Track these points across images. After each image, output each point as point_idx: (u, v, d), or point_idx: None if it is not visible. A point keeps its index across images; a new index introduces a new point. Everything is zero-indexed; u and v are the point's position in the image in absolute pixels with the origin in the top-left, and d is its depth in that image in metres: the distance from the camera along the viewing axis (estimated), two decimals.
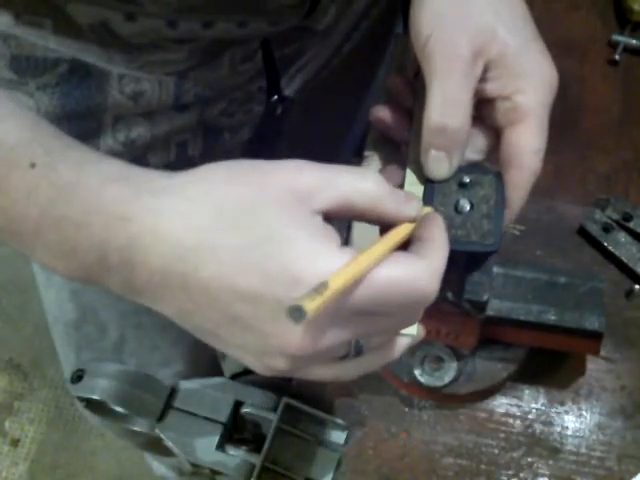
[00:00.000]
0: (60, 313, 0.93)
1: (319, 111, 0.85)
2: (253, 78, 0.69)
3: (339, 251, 0.39)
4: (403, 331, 0.49)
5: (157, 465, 1.45)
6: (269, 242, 0.39)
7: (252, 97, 0.71)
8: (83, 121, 0.65)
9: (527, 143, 0.52)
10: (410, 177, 0.54)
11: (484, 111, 0.54)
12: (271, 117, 0.75)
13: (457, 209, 0.52)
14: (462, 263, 0.57)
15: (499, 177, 0.53)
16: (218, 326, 0.41)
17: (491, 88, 0.53)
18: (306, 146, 0.94)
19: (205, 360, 1.11)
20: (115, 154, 0.67)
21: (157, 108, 0.66)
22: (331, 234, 0.40)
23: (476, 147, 0.54)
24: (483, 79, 0.52)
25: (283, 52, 0.69)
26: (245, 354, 0.42)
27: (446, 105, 0.51)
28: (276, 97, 0.73)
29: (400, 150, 0.58)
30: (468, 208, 0.52)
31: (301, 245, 0.38)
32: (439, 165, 0.52)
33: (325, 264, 0.38)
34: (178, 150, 0.70)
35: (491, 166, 0.56)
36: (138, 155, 0.68)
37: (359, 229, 0.56)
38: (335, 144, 0.95)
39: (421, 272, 0.41)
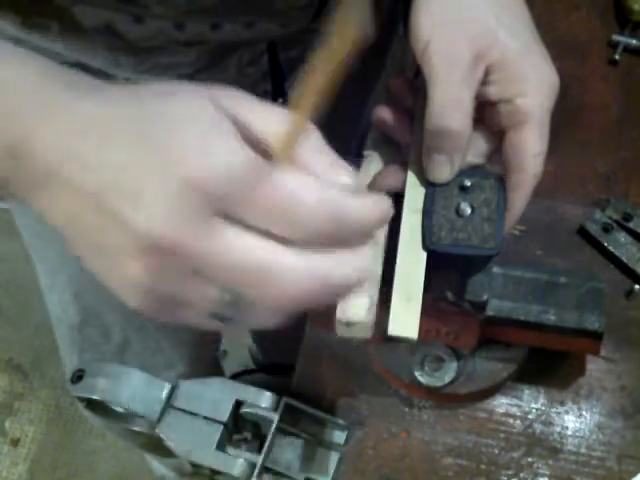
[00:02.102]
0: (63, 316, 0.93)
1: (327, 114, 0.85)
2: (259, 81, 0.69)
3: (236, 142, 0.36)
4: (403, 334, 0.49)
5: (157, 465, 1.45)
6: (160, 123, 0.36)
7: None
8: None
9: (528, 146, 0.53)
10: (411, 179, 0.54)
11: (485, 114, 0.54)
12: None
13: (458, 212, 0.53)
14: (462, 265, 0.57)
15: (500, 181, 0.54)
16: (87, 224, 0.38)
17: (492, 91, 0.53)
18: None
19: (207, 361, 1.11)
20: None
21: None
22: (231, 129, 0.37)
23: (477, 150, 0.55)
24: (484, 82, 0.52)
25: (289, 55, 0.69)
26: (105, 261, 0.39)
27: (447, 108, 0.51)
28: (281, 100, 0.73)
29: (400, 150, 0.58)
30: (469, 211, 0.53)
31: (193, 131, 0.36)
32: (440, 168, 0.52)
33: (218, 150, 0.35)
34: None
35: (491, 168, 0.56)
36: None
37: None
38: (341, 146, 0.94)
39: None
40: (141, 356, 0.95)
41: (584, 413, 0.67)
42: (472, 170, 0.54)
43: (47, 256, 0.86)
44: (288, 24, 0.62)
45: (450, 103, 0.51)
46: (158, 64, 0.62)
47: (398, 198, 0.55)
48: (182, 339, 0.98)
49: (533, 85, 0.52)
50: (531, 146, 0.53)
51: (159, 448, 1.14)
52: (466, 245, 0.52)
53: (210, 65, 0.64)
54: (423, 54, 0.52)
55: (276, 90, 0.72)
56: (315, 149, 0.41)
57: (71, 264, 0.85)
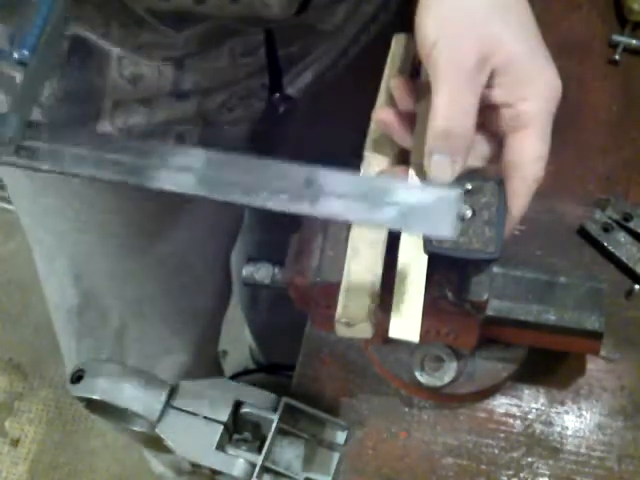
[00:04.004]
0: (62, 300, 0.93)
1: (328, 114, 0.85)
2: (255, 73, 0.70)
3: None
4: (404, 336, 0.50)
5: (156, 463, 1.45)
6: None
7: (253, 93, 0.72)
8: (82, 105, 0.65)
9: (529, 150, 0.53)
10: (412, 180, 0.54)
11: (487, 118, 0.54)
12: (273, 115, 0.75)
13: (459, 215, 0.53)
14: (463, 267, 0.57)
15: (501, 184, 0.54)
16: None
17: (495, 95, 0.53)
18: (315, 146, 0.94)
19: (207, 352, 1.11)
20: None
21: (156, 94, 0.66)
22: None
23: (478, 153, 0.55)
24: (488, 85, 0.52)
25: (287, 50, 0.69)
26: None
27: (451, 110, 0.51)
28: (278, 95, 0.73)
29: (401, 151, 0.58)
30: (470, 215, 0.53)
31: None
32: (442, 169, 0.52)
33: None
34: (176, 140, 0.71)
35: (492, 171, 0.56)
36: None
37: (359, 228, 0.56)
38: (341, 146, 0.95)
39: None
40: (139, 342, 0.95)
41: (584, 413, 0.67)
42: (472, 173, 0.54)
43: (45, 239, 0.87)
44: (271, 4, 0.62)
45: (454, 105, 0.51)
46: (146, 43, 0.62)
47: None
48: (181, 328, 0.99)
49: (536, 89, 0.52)
50: (532, 150, 0.53)
51: (159, 445, 1.15)
52: (467, 249, 0.52)
53: (200, 50, 0.64)
54: (429, 55, 0.52)
55: (273, 84, 0.72)
56: None
57: (70, 246, 0.85)
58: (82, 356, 0.97)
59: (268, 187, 0.45)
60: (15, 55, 0.48)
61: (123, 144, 0.48)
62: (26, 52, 0.48)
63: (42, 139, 0.48)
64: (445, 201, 0.44)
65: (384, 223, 0.46)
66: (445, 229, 0.43)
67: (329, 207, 0.44)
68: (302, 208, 0.44)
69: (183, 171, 0.46)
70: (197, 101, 0.69)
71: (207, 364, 1.12)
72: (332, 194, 0.44)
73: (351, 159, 0.66)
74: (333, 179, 0.45)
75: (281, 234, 0.65)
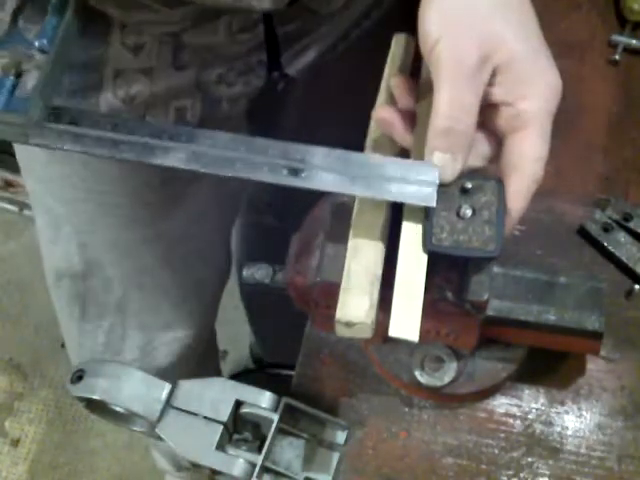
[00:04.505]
0: (66, 267, 0.93)
1: (328, 96, 0.85)
2: (253, 50, 0.71)
3: None
4: (404, 335, 0.50)
5: (158, 457, 1.45)
6: None
7: (251, 69, 0.73)
8: (85, 73, 0.66)
9: (529, 150, 0.53)
10: None
11: (488, 117, 0.54)
12: (272, 94, 0.76)
13: (459, 214, 0.53)
14: (463, 266, 0.57)
15: (501, 183, 0.54)
16: None
17: (496, 93, 0.53)
18: (315, 128, 0.94)
19: (206, 329, 1.11)
20: (115, 111, 0.69)
21: (156, 64, 0.67)
22: None
23: (479, 153, 0.55)
24: (489, 84, 0.53)
25: (285, 29, 0.70)
26: None
27: (453, 108, 0.51)
28: (277, 74, 0.74)
29: (401, 150, 0.58)
30: (470, 214, 0.53)
31: None
32: (443, 167, 0.52)
33: None
34: (177, 114, 0.71)
35: (492, 171, 0.56)
36: (138, 114, 0.70)
37: (358, 228, 0.56)
38: (341, 146, 0.95)
39: None
40: (139, 315, 0.96)
41: (584, 413, 0.67)
42: (472, 173, 0.54)
43: (52, 207, 0.87)
44: None
45: (456, 103, 0.51)
46: (144, 21, 0.63)
47: None
48: (181, 301, 0.99)
49: (537, 88, 0.52)
50: (532, 150, 0.53)
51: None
52: (467, 247, 0.52)
53: (196, 25, 0.65)
54: (431, 53, 0.52)
55: (271, 62, 0.72)
56: None
57: (76, 214, 0.86)
58: (85, 322, 0.97)
59: (268, 163, 0.52)
60: (36, 43, 0.54)
61: (136, 125, 0.53)
62: (45, 41, 0.55)
63: (64, 121, 0.53)
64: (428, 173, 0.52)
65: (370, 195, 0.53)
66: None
67: (317, 180, 0.52)
68: (281, 179, 0.52)
69: (191, 150, 0.53)
70: (195, 72, 0.70)
71: (206, 342, 1.13)
72: (319, 169, 0.53)
73: None
74: (319, 155, 0.53)
75: (278, 217, 0.66)
